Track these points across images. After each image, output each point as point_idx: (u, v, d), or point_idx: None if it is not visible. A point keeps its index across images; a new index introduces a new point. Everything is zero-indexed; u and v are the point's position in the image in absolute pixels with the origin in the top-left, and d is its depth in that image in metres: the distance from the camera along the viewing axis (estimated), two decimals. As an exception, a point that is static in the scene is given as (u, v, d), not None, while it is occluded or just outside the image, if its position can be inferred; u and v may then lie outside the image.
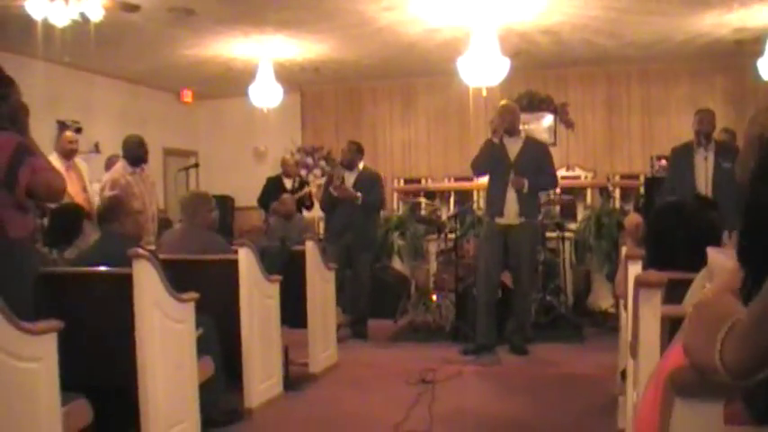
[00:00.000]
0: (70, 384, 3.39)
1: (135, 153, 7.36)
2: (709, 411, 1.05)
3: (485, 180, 7.35)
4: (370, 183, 7.89)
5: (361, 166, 7.98)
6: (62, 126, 9.64)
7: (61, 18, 6.36)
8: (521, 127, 7.25)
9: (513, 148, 6.90)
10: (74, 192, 7.12)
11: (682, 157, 6.79)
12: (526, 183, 6.76)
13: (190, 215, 5.61)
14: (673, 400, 1.06)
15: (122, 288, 3.90)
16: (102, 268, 4.19)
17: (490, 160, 6.90)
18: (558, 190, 9.10)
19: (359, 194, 7.64)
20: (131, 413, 3.92)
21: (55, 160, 7.11)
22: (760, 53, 8.92)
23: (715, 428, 1.06)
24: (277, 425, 4.95)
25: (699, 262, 2.32)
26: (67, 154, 7.29)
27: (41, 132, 9.37)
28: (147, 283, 3.95)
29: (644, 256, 3.36)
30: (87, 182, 7.51)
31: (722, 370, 1.01)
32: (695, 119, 6.81)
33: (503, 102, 7.34)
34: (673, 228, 3.15)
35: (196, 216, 5.56)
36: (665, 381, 1.10)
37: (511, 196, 6.81)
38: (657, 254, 3.14)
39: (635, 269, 3.28)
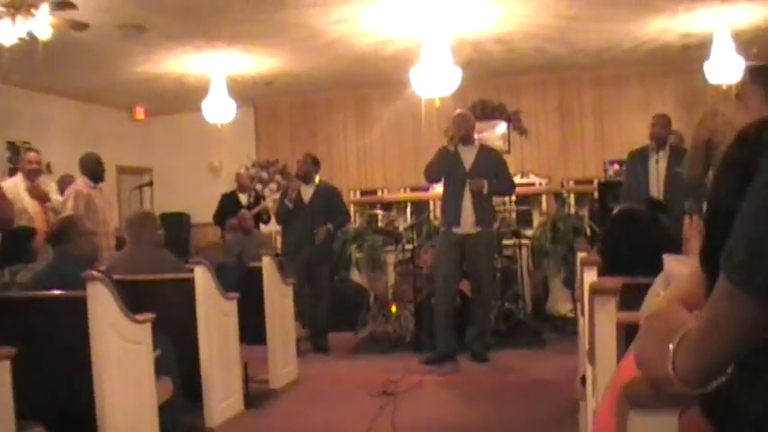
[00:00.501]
0: (26, 411, 3.33)
1: (93, 171, 7.47)
2: (663, 423, 1.06)
3: (440, 189, 7.37)
4: (331, 198, 7.89)
5: (317, 179, 7.96)
6: (13, 147, 9.54)
7: (8, 37, 6.26)
8: (475, 135, 7.30)
9: (468, 156, 6.94)
10: (34, 212, 7.10)
11: (637, 161, 6.91)
12: (486, 183, 6.79)
13: (136, 234, 5.57)
14: (627, 412, 1.07)
15: (77, 311, 3.85)
16: (56, 292, 4.13)
17: (445, 169, 6.93)
18: (513, 198, 9.18)
19: (330, 226, 7.65)
20: (90, 437, 3.86)
21: (20, 181, 7.26)
22: (706, 57, 9.06)
23: (670, 439, 1.07)
24: (239, 443, 4.92)
25: (655, 269, 2.34)
26: (30, 174, 7.34)
27: (-9, 153, 9.30)
28: (102, 305, 3.90)
29: (599, 262, 3.38)
30: (52, 202, 7.47)
31: (676, 380, 1.02)
32: (650, 123, 6.93)
33: (457, 111, 7.38)
34: (627, 237, 3.15)
35: (143, 235, 5.53)
36: (619, 393, 1.11)
37: (467, 205, 6.84)
38: (613, 262, 3.14)
39: (590, 275, 3.31)
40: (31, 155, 7.57)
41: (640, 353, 1.10)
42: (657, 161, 6.70)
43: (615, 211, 3.57)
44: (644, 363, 1.08)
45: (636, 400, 1.07)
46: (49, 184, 7.67)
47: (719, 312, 0.98)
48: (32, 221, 6.86)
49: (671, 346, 1.03)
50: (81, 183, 7.40)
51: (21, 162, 7.54)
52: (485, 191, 6.81)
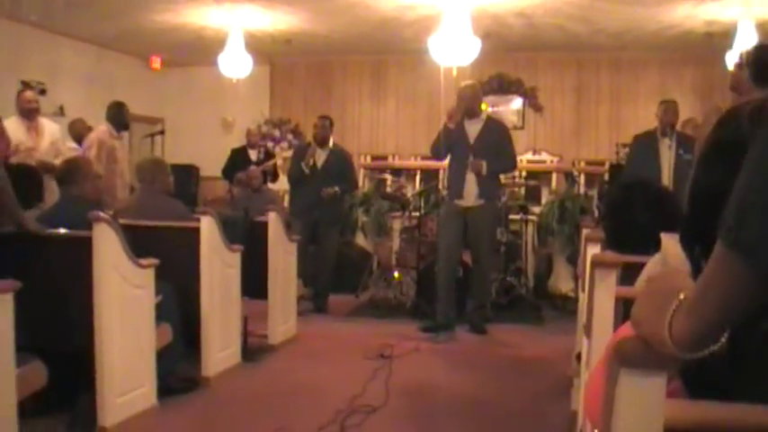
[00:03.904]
0: (26, 346, 3.36)
1: (119, 118, 7.56)
2: (653, 383, 1.07)
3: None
4: (343, 163, 7.88)
5: (331, 143, 7.95)
6: (25, 86, 9.50)
7: (29, -24, 6.26)
8: (490, 109, 7.25)
9: (473, 129, 6.87)
10: (38, 152, 7.07)
11: (646, 145, 6.85)
12: (484, 165, 6.74)
13: (148, 181, 5.59)
14: (618, 370, 1.08)
15: (82, 251, 3.87)
16: (62, 230, 4.15)
17: (449, 143, 6.87)
18: (523, 174, 9.15)
19: (337, 189, 7.63)
20: (87, 377, 3.90)
21: (16, 121, 7.07)
22: (729, 47, 8.99)
23: (658, 400, 1.08)
24: (234, 394, 4.95)
25: (655, 246, 2.32)
26: (27, 114, 7.15)
27: (4, 92, 9.28)
28: (107, 247, 3.92)
29: (603, 238, 3.37)
30: (59, 142, 7.42)
31: (670, 343, 1.03)
32: (660, 108, 6.90)
33: (463, 83, 7.22)
34: (632, 206, 3.02)
35: (155, 181, 5.56)
36: (611, 350, 1.13)
37: (470, 178, 6.80)
38: (615, 231, 3.07)
39: (594, 251, 3.32)
40: (27, 94, 7.39)
41: (638, 313, 1.11)
42: (670, 147, 6.67)
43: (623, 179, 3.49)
44: (640, 322, 1.09)
45: (627, 358, 1.08)
46: (47, 124, 7.47)
47: (713, 275, 0.99)
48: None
49: (669, 310, 1.04)
50: (103, 131, 7.40)
51: (17, 101, 7.32)
52: (483, 172, 6.75)
